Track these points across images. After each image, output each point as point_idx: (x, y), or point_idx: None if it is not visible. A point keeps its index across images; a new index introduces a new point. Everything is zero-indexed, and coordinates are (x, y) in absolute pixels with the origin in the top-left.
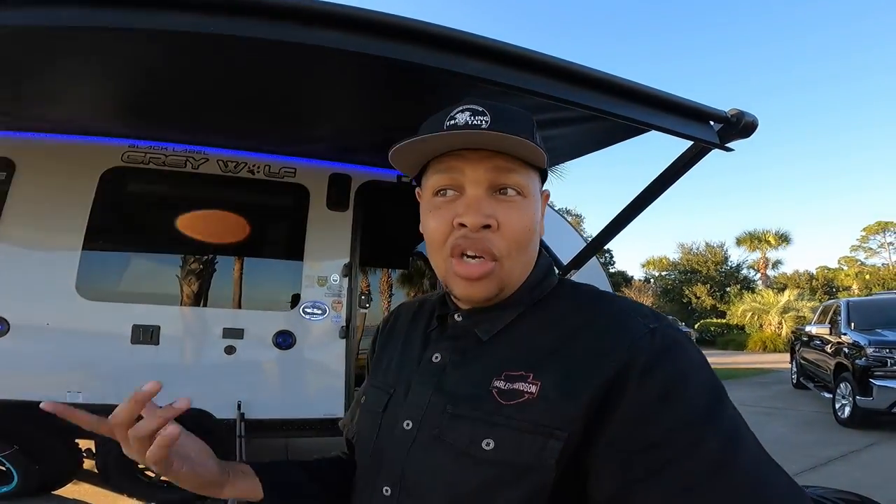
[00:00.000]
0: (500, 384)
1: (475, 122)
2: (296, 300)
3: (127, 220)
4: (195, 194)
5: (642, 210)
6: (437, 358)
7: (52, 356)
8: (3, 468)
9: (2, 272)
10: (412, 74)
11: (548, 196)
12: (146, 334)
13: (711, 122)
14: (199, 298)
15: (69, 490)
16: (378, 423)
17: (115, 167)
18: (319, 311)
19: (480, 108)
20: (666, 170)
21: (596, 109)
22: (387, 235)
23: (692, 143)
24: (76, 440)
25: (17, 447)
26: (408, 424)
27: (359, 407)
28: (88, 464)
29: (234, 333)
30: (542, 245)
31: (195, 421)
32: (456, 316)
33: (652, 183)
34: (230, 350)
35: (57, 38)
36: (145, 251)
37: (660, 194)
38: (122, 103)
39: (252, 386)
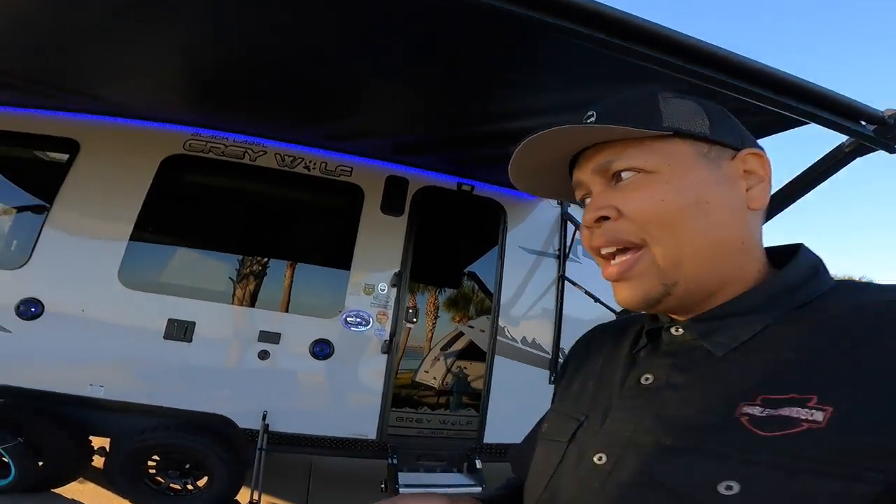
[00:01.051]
0: (755, 410)
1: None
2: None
3: (178, 210)
4: (249, 187)
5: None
6: (647, 379)
7: (81, 346)
8: (3, 460)
9: (45, 252)
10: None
11: (756, 157)
12: (180, 330)
13: (863, 122)
14: (239, 296)
15: (69, 489)
16: (560, 455)
17: (176, 154)
18: (363, 322)
19: (590, 111)
20: (804, 173)
21: (762, 98)
22: (440, 248)
23: (839, 145)
24: (90, 437)
25: (21, 440)
26: (600, 458)
27: (537, 437)
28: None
29: (271, 337)
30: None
31: (216, 428)
32: (673, 329)
33: (787, 186)
34: (264, 355)
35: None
36: (191, 243)
37: (792, 202)
38: (191, 86)
39: (281, 396)
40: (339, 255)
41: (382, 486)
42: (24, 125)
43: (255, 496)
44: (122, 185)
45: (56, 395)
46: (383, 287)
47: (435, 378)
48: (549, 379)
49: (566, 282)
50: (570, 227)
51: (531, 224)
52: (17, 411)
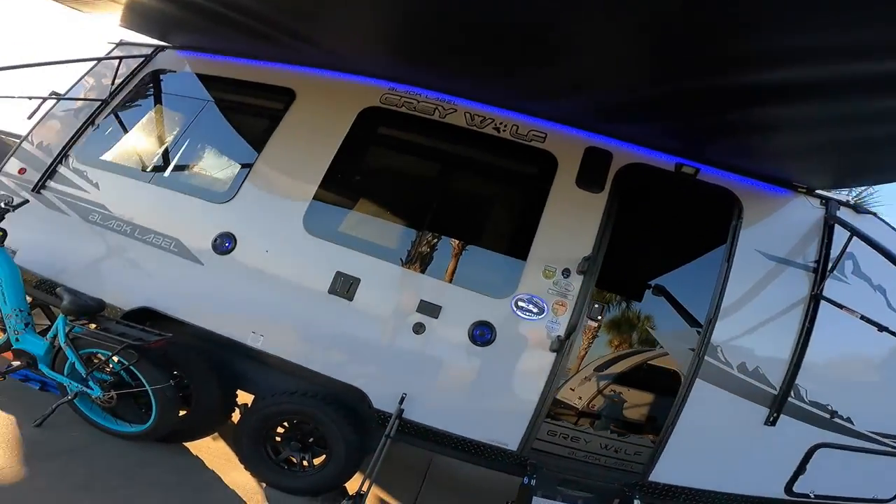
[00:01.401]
0: None
1: None
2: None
3: (365, 162)
4: (436, 144)
5: None
6: None
7: (256, 288)
8: (146, 403)
9: (248, 192)
10: None
11: None
12: (344, 286)
13: None
14: (407, 258)
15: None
16: None
17: (372, 107)
18: (535, 310)
19: None
20: None
21: None
22: (638, 243)
23: None
24: (237, 391)
25: (172, 383)
26: None
27: None
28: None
29: (430, 309)
30: None
31: (350, 402)
32: None
33: None
34: (419, 329)
35: None
36: (371, 196)
37: None
38: (398, 38)
39: (425, 380)
40: (520, 228)
41: None
42: (253, 75)
43: (365, 487)
44: (322, 133)
45: (222, 338)
46: (567, 272)
47: (580, 398)
48: (767, 419)
49: (823, 302)
50: (838, 234)
51: (776, 223)
52: (180, 351)
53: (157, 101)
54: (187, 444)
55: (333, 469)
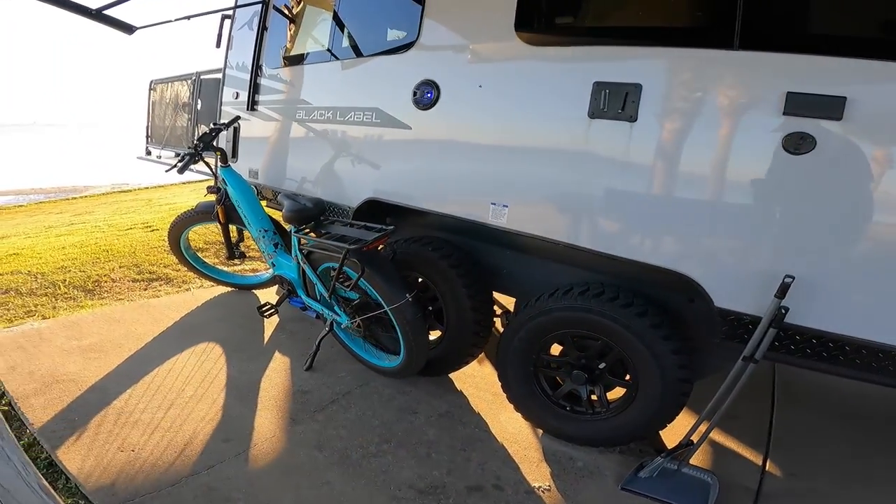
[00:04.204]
0: None
1: None
2: None
3: None
4: None
5: None
6: None
7: (477, 140)
8: (387, 328)
9: (430, 23)
10: None
11: None
12: (615, 101)
13: None
14: (733, 32)
15: (462, 377)
16: None
17: None
18: None
19: None
20: None
21: None
22: None
23: None
24: (491, 294)
25: (409, 297)
26: None
27: None
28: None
29: (811, 104)
30: None
31: (662, 296)
32: None
33: None
34: (798, 143)
35: None
36: None
37: None
38: None
39: (832, 246)
40: None
41: None
42: None
43: (697, 435)
44: None
45: (457, 220)
46: None
47: None
48: None
49: None
50: None
51: None
52: (414, 251)
53: None
54: (453, 377)
55: (641, 409)
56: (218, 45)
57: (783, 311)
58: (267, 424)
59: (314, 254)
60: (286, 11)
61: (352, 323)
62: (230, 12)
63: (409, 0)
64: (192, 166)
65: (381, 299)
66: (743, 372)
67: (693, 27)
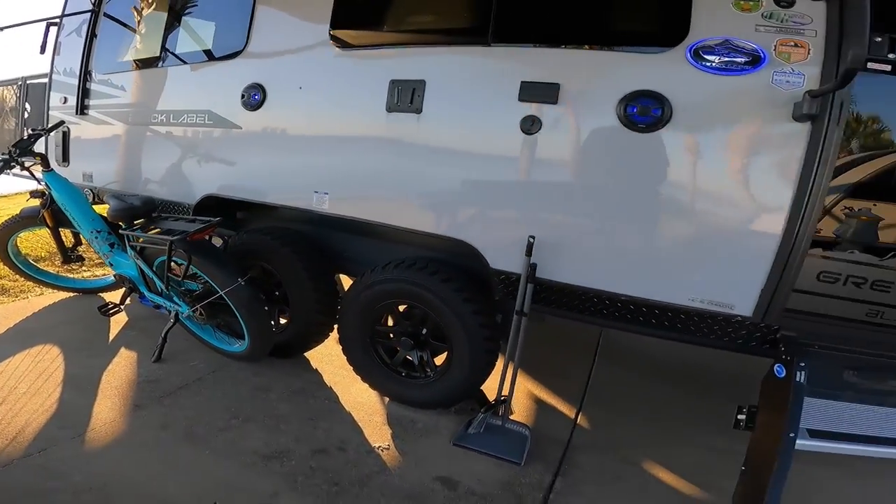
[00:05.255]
0: None
1: None
2: None
3: None
4: None
5: None
6: None
7: (300, 135)
8: (229, 313)
9: (258, 32)
10: None
11: None
12: (405, 95)
13: None
14: (486, 30)
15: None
16: None
17: None
18: (740, 59)
19: None
20: None
21: None
22: None
23: None
24: (334, 276)
25: (241, 281)
26: None
27: None
28: None
29: (541, 92)
30: None
31: (459, 264)
32: None
33: None
34: (531, 126)
35: None
36: None
37: None
38: None
39: (561, 206)
40: None
41: (739, 414)
42: None
43: (505, 390)
44: None
45: (287, 209)
46: None
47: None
48: None
49: None
50: None
51: None
52: (252, 240)
53: None
54: (310, 356)
55: (458, 369)
56: (42, 51)
57: (534, 267)
58: (106, 412)
59: (146, 249)
60: (116, 19)
61: (193, 312)
62: (56, 20)
63: (238, 11)
64: (9, 171)
65: (215, 286)
66: (519, 325)
67: (461, 27)
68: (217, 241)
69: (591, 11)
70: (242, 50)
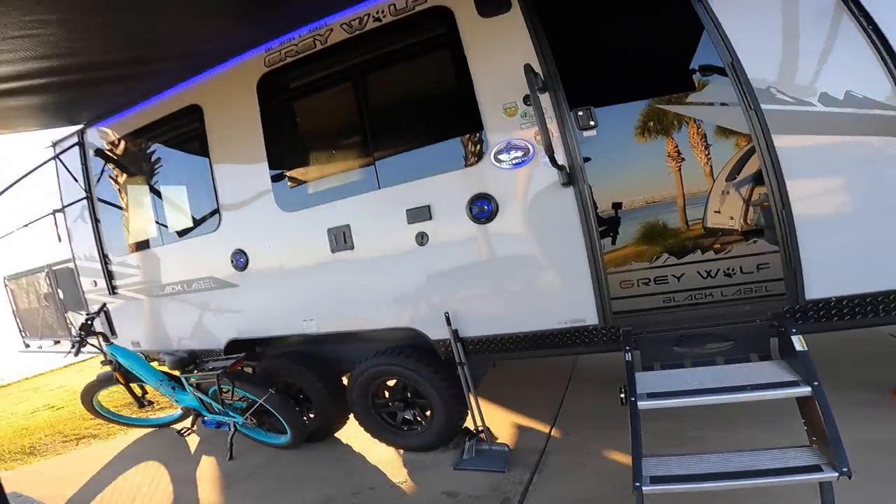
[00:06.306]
0: None
1: None
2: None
3: (290, 121)
4: (335, 68)
5: None
6: None
7: (280, 281)
8: (271, 417)
9: (226, 213)
10: None
11: None
12: (339, 238)
13: None
14: (377, 179)
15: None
16: None
17: (263, 75)
18: (519, 154)
19: None
20: None
21: None
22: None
23: None
24: (338, 376)
25: (272, 391)
26: None
27: None
28: None
29: (419, 214)
30: None
31: (412, 343)
32: None
33: None
34: (422, 238)
35: None
36: (316, 146)
37: None
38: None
39: (456, 289)
40: (459, 89)
41: (621, 394)
42: (155, 112)
43: (478, 423)
44: (242, 122)
45: (290, 337)
46: (527, 99)
47: (733, 218)
48: None
49: None
50: None
51: None
52: (273, 362)
53: (118, 168)
54: (338, 435)
55: (441, 416)
56: (59, 239)
57: (456, 332)
58: (209, 493)
59: (201, 384)
60: (110, 202)
61: (246, 420)
62: (60, 210)
63: (209, 201)
64: (83, 349)
65: (254, 398)
66: (465, 374)
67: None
68: (248, 370)
69: (439, 148)
70: (218, 226)
